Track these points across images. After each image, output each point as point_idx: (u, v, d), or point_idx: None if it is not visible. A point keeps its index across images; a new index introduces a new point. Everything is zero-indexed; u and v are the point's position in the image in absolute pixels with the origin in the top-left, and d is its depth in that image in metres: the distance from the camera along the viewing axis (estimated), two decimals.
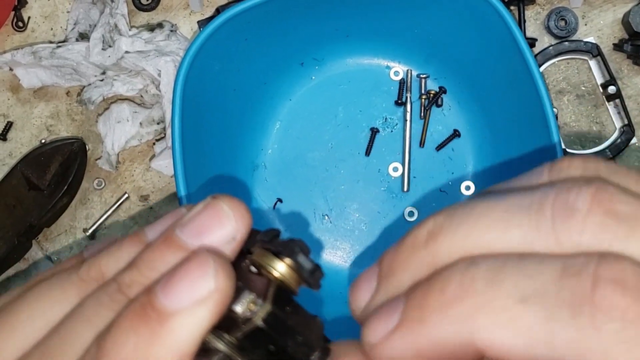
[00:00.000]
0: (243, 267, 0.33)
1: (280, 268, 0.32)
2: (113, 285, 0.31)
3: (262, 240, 0.33)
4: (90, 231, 0.91)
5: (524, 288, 0.27)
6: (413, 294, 0.29)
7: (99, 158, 0.91)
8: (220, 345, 0.30)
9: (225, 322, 0.30)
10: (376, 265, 0.33)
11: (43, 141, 0.92)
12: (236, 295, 0.30)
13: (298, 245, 0.32)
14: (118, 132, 0.89)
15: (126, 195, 0.92)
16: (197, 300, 0.29)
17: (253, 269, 0.33)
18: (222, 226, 0.32)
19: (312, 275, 0.32)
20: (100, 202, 0.92)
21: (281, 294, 0.31)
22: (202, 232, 0.31)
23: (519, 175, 0.32)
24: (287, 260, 0.32)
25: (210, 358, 0.30)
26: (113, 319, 0.30)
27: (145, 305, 0.29)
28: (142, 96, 0.90)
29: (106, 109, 0.91)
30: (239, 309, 0.30)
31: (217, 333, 0.30)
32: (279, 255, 0.32)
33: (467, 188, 0.86)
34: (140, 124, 0.89)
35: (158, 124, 0.90)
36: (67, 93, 0.93)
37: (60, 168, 0.88)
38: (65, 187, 0.89)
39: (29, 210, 0.89)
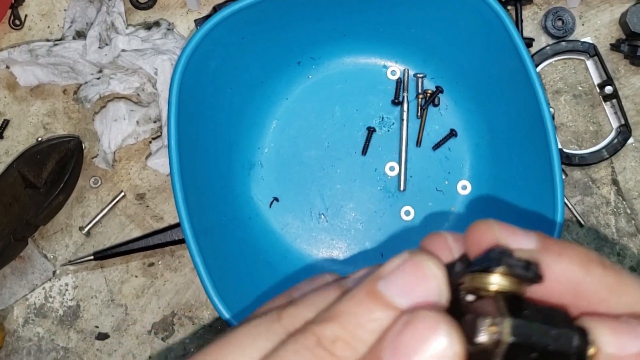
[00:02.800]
0: (461, 300, 0.32)
1: (495, 280, 0.30)
2: (311, 338, 0.30)
3: (461, 268, 0.33)
4: (86, 229, 0.91)
5: None
6: None
7: (96, 156, 0.91)
8: None
9: (480, 358, 0.29)
10: (536, 234, 0.33)
11: (39, 139, 0.92)
12: (472, 330, 0.29)
13: (496, 252, 0.31)
14: (114, 131, 0.89)
15: (122, 194, 0.91)
16: None
17: (470, 297, 0.32)
18: (429, 285, 0.30)
19: (528, 269, 0.31)
20: (97, 200, 0.92)
21: (511, 303, 0.30)
22: (409, 290, 0.30)
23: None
24: (497, 269, 0.31)
25: None
26: None
27: None
28: (138, 94, 0.90)
29: (103, 107, 0.91)
30: (483, 338, 0.29)
31: None
32: (487, 270, 0.31)
33: (464, 187, 0.86)
34: (137, 122, 0.89)
35: (155, 122, 0.90)
36: (64, 91, 0.93)
37: (56, 166, 0.88)
38: (62, 185, 0.89)
39: (25, 208, 0.88)
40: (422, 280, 0.30)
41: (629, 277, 0.32)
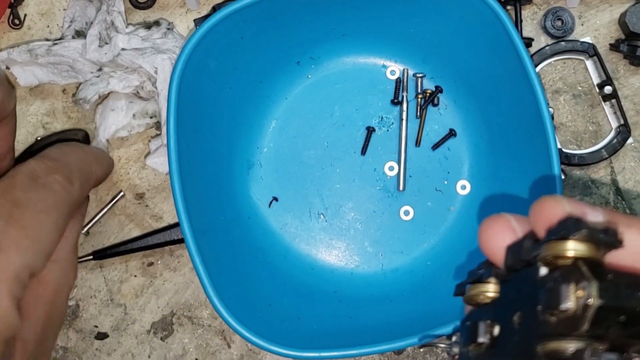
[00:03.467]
0: (535, 277, 0.32)
1: (573, 246, 0.30)
2: None
3: (530, 244, 0.33)
4: (85, 229, 0.91)
5: None
6: None
7: None
8: (573, 345, 0.29)
9: (567, 327, 0.29)
10: (601, 208, 0.33)
11: (38, 138, 0.92)
12: (554, 298, 0.29)
13: (572, 220, 0.31)
14: (110, 120, 0.89)
15: (122, 193, 0.91)
16: None
17: (544, 270, 0.32)
18: None
19: (607, 233, 0.31)
20: (96, 200, 0.92)
21: (594, 268, 0.30)
22: None
23: None
24: (576, 235, 0.30)
25: None
26: None
27: None
28: (138, 92, 0.89)
29: (105, 97, 0.91)
30: (570, 304, 0.29)
31: (564, 338, 0.29)
32: (565, 238, 0.31)
33: (463, 187, 0.86)
34: (134, 115, 0.89)
35: (151, 117, 0.89)
36: (63, 91, 0.93)
37: None
38: None
39: None
40: None
41: None
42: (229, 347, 0.89)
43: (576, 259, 0.30)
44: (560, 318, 0.29)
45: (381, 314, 0.82)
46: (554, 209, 0.32)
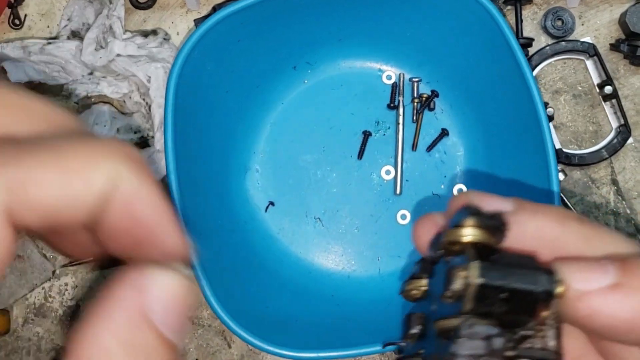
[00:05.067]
0: (439, 259, 0.34)
1: (462, 232, 0.32)
2: None
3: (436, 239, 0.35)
4: None
5: None
6: (629, 265, 0.31)
7: None
8: (457, 321, 0.31)
9: (456, 307, 0.31)
10: (512, 199, 0.34)
11: None
12: (448, 281, 0.31)
13: (465, 208, 0.32)
14: None
15: None
16: None
17: (449, 257, 0.33)
18: None
19: (493, 219, 0.32)
20: None
21: (480, 251, 0.31)
22: None
23: None
24: (466, 221, 0.32)
25: (458, 337, 0.31)
26: None
27: None
28: (124, 101, 0.89)
29: (87, 108, 0.91)
30: (456, 285, 0.31)
31: (452, 317, 0.31)
32: (457, 226, 0.32)
33: (460, 191, 0.86)
34: (118, 130, 0.89)
35: (135, 133, 0.89)
36: (62, 91, 0.93)
37: None
38: None
39: None
40: None
41: (606, 231, 0.33)
42: (229, 347, 0.90)
43: (467, 244, 0.32)
44: (453, 299, 0.31)
45: (379, 316, 0.82)
46: (462, 201, 0.34)
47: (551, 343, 0.31)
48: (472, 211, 0.32)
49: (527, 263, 0.32)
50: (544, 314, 0.31)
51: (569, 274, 0.31)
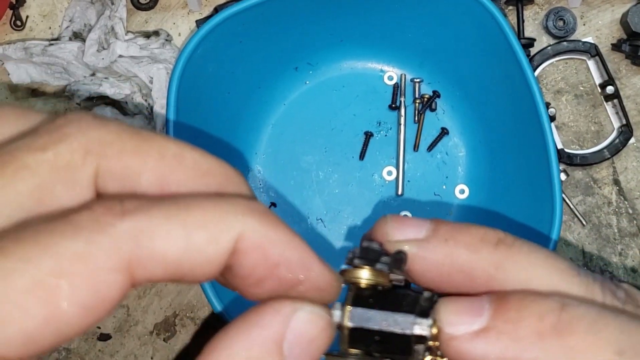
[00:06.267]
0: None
1: (351, 274, 0.33)
2: None
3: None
4: None
5: (620, 342, 0.29)
6: (503, 306, 0.31)
7: None
8: None
9: (341, 344, 0.32)
10: (430, 222, 0.34)
11: None
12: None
13: (360, 248, 0.34)
14: None
15: None
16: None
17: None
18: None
19: (391, 257, 0.33)
20: None
21: (362, 293, 0.33)
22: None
23: None
24: (354, 262, 0.33)
25: None
26: None
27: None
28: (126, 102, 0.90)
29: (89, 109, 0.91)
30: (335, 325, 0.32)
31: (335, 355, 0.32)
32: (349, 264, 0.34)
33: (462, 192, 0.86)
34: None
35: None
36: (64, 92, 0.93)
37: None
38: None
39: None
40: None
41: (521, 253, 0.33)
42: None
43: (352, 285, 0.33)
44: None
45: None
46: (379, 230, 0.35)
47: None
48: (367, 251, 0.33)
49: (407, 303, 0.32)
50: (426, 350, 0.32)
51: (444, 315, 0.31)
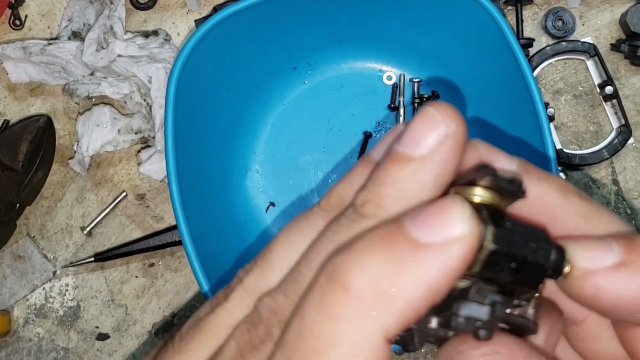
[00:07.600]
0: None
1: (478, 192, 0.31)
2: (350, 208, 0.31)
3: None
4: (87, 229, 0.92)
5: None
6: (635, 243, 0.31)
7: (71, 158, 0.91)
8: (463, 283, 0.30)
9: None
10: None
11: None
12: None
13: (480, 167, 0.31)
14: (95, 135, 0.89)
15: (124, 194, 0.92)
16: (450, 239, 0.28)
17: None
18: (433, 129, 0.30)
19: (512, 183, 0.31)
20: (97, 201, 0.92)
21: (495, 214, 0.30)
22: (416, 139, 0.30)
23: None
24: (482, 181, 0.31)
25: (462, 299, 0.30)
26: (352, 238, 0.29)
27: (393, 233, 0.28)
28: (125, 102, 0.90)
29: (87, 109, 0.91)
30: None
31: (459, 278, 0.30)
32: (472, 183, 0.31)
33: None
34: (119, 130, 0.89)
35: (136, 133, 0.90)
36: (63, 91, 0.93)
37: (30, 146, 0.88)
38: (38, 162, 0.89)
39: (7, 189, 0.88)
40: (427, 127, 0.30)
41: (604, 210, 0.33)
42: None
43: (479, 205, 0.31)
44: None
45: None
46: (468, 153, 0.33)
47: (530, 312, 0.31)
48: (489, 171, 0.31)
49: (539, 235, 0.31)
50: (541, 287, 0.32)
51: (574, 252, 0.31)
